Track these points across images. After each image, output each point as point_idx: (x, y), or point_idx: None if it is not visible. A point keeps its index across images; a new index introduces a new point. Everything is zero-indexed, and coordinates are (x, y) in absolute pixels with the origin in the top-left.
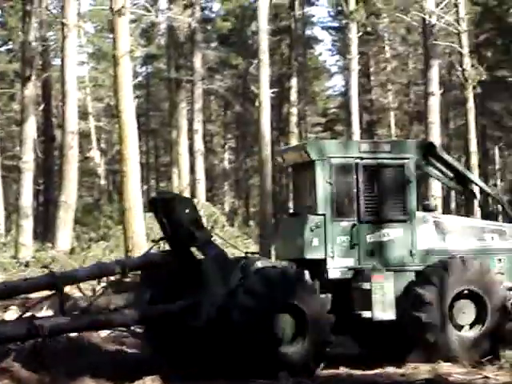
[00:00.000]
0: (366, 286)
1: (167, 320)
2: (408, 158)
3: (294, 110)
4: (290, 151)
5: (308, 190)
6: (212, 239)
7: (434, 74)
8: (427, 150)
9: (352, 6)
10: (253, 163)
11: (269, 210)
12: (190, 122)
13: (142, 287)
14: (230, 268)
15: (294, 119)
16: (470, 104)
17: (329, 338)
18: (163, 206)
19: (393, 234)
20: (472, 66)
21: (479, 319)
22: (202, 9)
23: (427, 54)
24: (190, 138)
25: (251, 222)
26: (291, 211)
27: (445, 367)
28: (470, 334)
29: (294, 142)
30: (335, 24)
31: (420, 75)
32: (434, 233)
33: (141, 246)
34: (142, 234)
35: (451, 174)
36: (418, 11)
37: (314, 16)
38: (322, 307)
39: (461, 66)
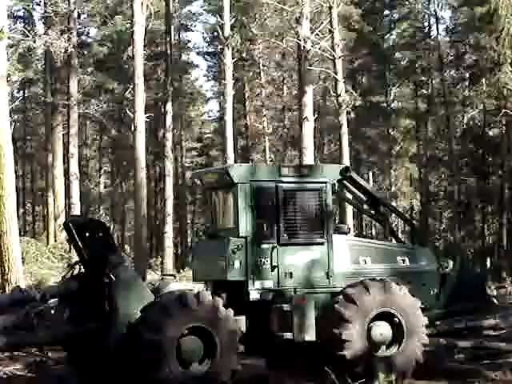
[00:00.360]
0: (287, 307)
1: (78, 341)
2: (325, 182)
3: (170, 135)
4: (211, 173)
5: (228, 212)
6: (125, 262)
7: (309, 99)
8: (342, 174)
9: (227, 31)
10: (128, 187)
11: (144, 233)
12: (66, 146)
13: (60, 307)
14: (142, 291)
15: (169, 144)
16: (344, 129)
17: (237, 353)
18: (77, 229)
19: (310, 256)
20: (346, 91)
21: (395, 339)
22: (79, 34)
23: (302, 80)
24: (66, 162)
25: (126, 246)
26: (209, 234)
27: None
28: (386, 353)
29: (169, 166)
30: (211, 49)
31: (295, 100)
32: (348, 255)
33: (17, 269)
34: (19, 257)
35: (364, 198)
36: (293, 37)
37: (189, 41)
38: (231, 327)
39: (335, 92)
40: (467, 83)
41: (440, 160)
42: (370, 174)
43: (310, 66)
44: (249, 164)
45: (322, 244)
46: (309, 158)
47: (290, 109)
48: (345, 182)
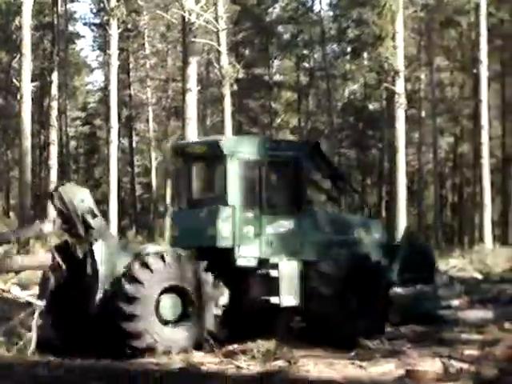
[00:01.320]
0: (274, 273)
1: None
2: (301, 156)
3: (55, 104)
4: (198, 145)
5: (215, 182)
6: (105, 227)
7: (192, 70)
8: (314, 149)
9: (113, 3)
10: (13, 155)
11: (27, 201)
12: None
13: (46, 274)
14: (121, 253)
15: (54, 113)
16: (227, 101)
17: (214, 316)
18: (61, 197)
19: (287, 226)
20: (229, 63)
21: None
22: None
23: (186, 51)
24: None
25: (11, 214)
26: (191, 202)
27: (197, 357)
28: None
29: (53, 135)
30: (97, 20)
31: (179, 72)
32: (314, 225)
33: None
34: None
35: (328, 172)
36: (178, 9)
37: (76, 12)
38: (210, 291)
39: (218, 64)
40: (349, 57)
41: (321, 133)
42: None
43: (194, 37)
44: (237, 137)
45: (297, 215)
46: (191, 129)
47: (174, 80)
48: (315, 156)
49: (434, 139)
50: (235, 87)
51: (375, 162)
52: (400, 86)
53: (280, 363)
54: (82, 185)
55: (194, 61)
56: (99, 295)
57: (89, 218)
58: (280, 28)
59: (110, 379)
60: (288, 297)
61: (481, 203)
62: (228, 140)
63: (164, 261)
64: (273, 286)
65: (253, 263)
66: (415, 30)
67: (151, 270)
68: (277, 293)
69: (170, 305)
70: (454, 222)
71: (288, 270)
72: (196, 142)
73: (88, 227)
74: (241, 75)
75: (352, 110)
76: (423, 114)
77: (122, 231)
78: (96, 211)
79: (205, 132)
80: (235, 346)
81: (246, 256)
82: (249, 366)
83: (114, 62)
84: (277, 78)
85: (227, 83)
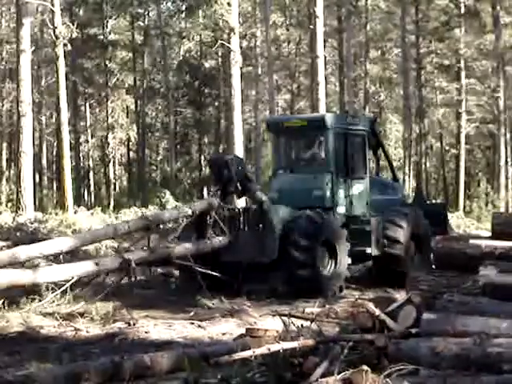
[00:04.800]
0: (368, 227)
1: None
2: (368, 129)
3: None
4: (301, 120)
5: (316, 151)
6: (257, 189)
7: (26, 32)
8: (372, 123)
9: None
10: None
11: None
12: None
13: (188, 230)
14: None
15: None
16: (61, 61)
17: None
18: (220, 164)
19: (360, 188)
20: (63, 24)
21: None
22: None
23: (19, 12)
24: None
25: None
26: (291, 169)
27: (36, 320)
28: None
29: None
30: None
31: (13, 33)
32: (371, 187)
33: None
34: None
35: (373, 143)
36: None
37: None
38: (346, 241)
39: (52, 24)
40: (184, 15)
41: (157, 92)
42: (87, 105)
43: None
44: (330, 113)
45: (364, 179)
46: (26, 91)
47: (8, 41)
48: (373, 129)
49: (270, 96)
50: (69, 47)
51: (212, 120)
52: (235, 44)
53: (119, 325)
54: None
55: (27, 22)
56: (274, 245)
57: (246, 182)
58: None
59: None
60: (376, 247)
61: None
62: (330, 116)
63: (323, 218)
64: (367, 238)
65: (344, 220)
66: None
67: (316, 224)
68: (369, 244)
69: (323, 254)
70: None
71: (375, 225)
72: (298, 118)
73: (245, 190)
74: (75, 35)
75: (188, 67)
76: (260, 71)
77: None
78: (250, 176)
79: (40, 93)
80: (73, 308)
81: (340, 214)
82: (88, 329)
83: None
84: (112, 37)
85: (61, 44)
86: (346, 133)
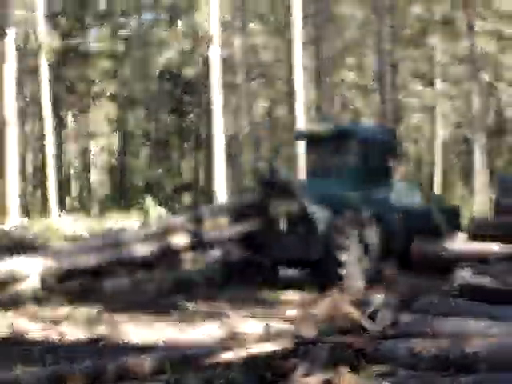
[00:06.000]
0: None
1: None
2: (389, 139)
3: None
4: (327, 130)
5: (343, 158)
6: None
7: (10, 42)
8: (395, 134)
9: None
10: None
11: None
12: None
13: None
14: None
15: None
16: (44, 71)
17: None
18: (276, 171)
19: (383, 193)
20: (46, 33)
21: None
22: None
23: (2, 23)
24: None
25: None
26: (320, 174)
27: (21, 323)
28: None
29: None
30: None
31: None
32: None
33: None
34: None
35: (391, 151)
36: None
37: None
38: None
39: (35, 34)
40: (164, 25)
41: (137, 100)
42: (70, 114)
43: (11, 8)
44: (354, 124)
45: (387, 184)
46: (10, 101)
47: None
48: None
49: (248, 104)
50: (52, 57)
51: (192, 126)
52: (214, 52)
53: (102, 328)
54: None
55: (11, 32)
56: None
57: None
58: None
59: None
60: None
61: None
62: (351, 126)
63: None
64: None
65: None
66: None
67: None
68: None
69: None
70: None
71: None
72: (324, 128)
73: (289, 193)
74: (57, 45)
75: (168, 76)
76: (239, 79)
77: None
78: (292, 181)
79: (25, 102)
80: (59, 312)
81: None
82: (71, 332)
83: None
84: (94, 46)
85: (43, 53)
86: (370, 142)
